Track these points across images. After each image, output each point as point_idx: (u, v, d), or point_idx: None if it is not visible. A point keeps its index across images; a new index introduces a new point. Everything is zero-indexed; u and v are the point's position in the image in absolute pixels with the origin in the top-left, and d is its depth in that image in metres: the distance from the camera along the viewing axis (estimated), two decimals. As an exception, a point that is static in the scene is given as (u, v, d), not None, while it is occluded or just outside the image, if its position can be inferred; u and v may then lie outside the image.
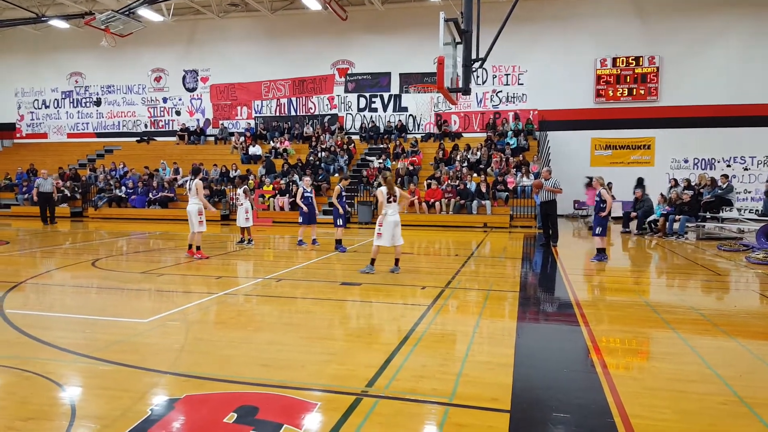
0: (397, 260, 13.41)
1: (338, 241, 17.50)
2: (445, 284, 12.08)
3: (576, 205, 31.86)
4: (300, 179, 18.00)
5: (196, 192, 15.77)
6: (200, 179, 16.02)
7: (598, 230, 15.79)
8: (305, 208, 17.89)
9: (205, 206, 15.89)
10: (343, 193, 17.83)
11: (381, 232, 12.93)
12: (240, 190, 18.63)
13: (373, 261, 13.39)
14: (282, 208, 29.84)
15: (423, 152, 33.48)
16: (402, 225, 13.53)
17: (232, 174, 33.11)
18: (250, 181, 29.41)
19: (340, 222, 17.69)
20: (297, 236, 18.99)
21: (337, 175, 31.82)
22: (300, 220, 18.26)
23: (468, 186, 28.43)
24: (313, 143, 35.76)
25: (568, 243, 20.18)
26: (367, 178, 30.61)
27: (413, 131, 36.58)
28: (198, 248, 15.97)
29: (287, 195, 30.00)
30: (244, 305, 10.23)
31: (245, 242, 18.54)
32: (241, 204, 18.65)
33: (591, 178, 17.06)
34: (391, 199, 13.20)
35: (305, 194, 17.96)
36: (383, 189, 13.10)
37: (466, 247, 18.88)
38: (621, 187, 29.19)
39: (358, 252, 17.28)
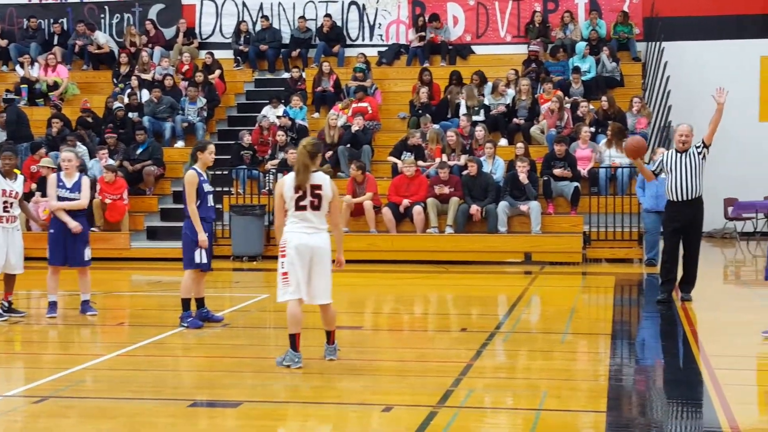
0: (329, 334, 7.79)
1: (186, 302, 9.16)
2: (437, 400, 6.72)
3: (731, 211, 18.16)
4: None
5: None
6: None
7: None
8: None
9: None
10: (205, 185, 8.72)
11: (286, 271, 7.07)
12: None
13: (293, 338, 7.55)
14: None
15: (383, 89, 20.63)
16: (347, 262, 7.60)
17: None
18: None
19: (199, 258, 8.65)
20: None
21: (181, 143, 17.95)
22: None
23: (486, 167, 15.71)
24: (122, 70, 19.27)
25: (716, 297, 11.97)
26: (254, 149, 16.46)
27: (360, 41, 20.27)
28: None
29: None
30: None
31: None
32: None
33: None
34: (308, 201, 7.21)
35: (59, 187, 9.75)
36: (286, 181, 7.15)
37: (483, 310, 11.97)
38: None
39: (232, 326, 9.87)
